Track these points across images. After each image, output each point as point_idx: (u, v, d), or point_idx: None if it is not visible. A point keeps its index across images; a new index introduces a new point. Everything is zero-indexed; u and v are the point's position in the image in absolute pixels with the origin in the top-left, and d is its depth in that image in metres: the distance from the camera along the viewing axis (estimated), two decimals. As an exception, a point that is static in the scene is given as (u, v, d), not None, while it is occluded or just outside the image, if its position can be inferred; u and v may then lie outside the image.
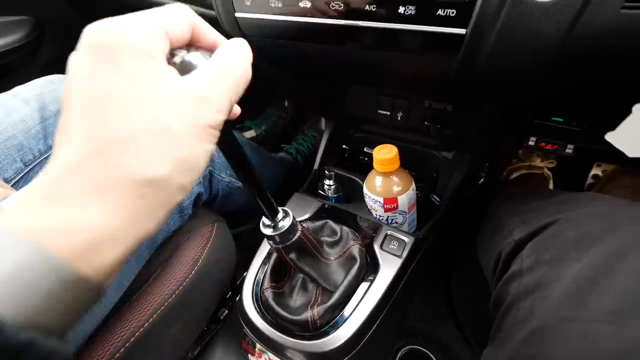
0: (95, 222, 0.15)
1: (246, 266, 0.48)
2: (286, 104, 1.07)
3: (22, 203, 0.15)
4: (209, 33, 0.21)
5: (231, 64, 0.19)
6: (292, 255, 0.38)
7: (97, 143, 0.15)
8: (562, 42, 0.29)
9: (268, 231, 0.34)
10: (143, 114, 0.16)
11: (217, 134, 0.18)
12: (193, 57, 0.19)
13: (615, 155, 0.69)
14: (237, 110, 0.25)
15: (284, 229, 0.34)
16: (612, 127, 0.41)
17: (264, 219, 0.34)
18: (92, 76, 0.16)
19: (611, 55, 0.29)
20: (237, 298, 0.58)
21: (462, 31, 0.31)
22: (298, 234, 0.36)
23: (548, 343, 0.23)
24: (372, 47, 0.37)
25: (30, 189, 0.15)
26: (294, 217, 0.35)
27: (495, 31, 0.30)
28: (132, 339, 0.35)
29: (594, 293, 0.23)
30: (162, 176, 0.16)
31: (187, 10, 0.20)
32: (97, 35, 0.17)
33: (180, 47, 0.20)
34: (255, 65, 0.22)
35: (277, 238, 0.35)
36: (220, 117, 0.18)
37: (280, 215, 0.34)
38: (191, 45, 0.20)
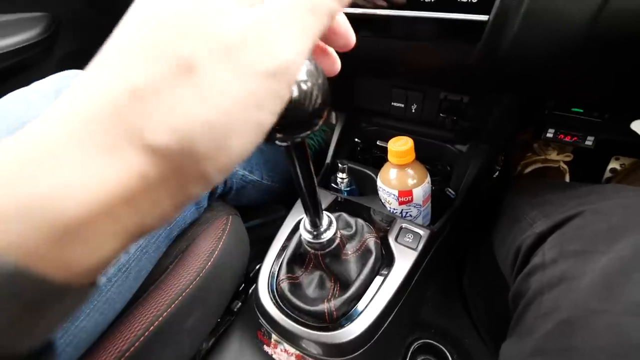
0: (99, 188, 0.11)
1: (258, 259, 0.48)
2: (296, 98, 1.06)
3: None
4: None
5: None
6: (327, 260, 0.37)
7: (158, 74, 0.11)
8: (590, 28, 0.28)
9: (309, 237, 0.33)
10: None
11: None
12: None
13: (635, 148, 0.67)
14: None
15: (328, 239, 0.33)
16: (637, 116, 0.40)
17: (306, 224, 0.33)
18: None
19: (640, 40, 0.28)
20: (251, 290, 0.59)
21: (484, 18, 0.30)
22: (337, 241, 0.35)
23: (576, 336, 0.23)
24: (389, 37, 0.36)
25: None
26: (336, 224, 0.34)
27: (519, 17, 0.29)
28: (152, 327, 0.35)
29: (624, 285, 0.23)
30: (198, 154, 0.12)
31: None
32: None
33: None
34: None
35: (316, 245, 0.34)
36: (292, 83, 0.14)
37: (325, 222, 0.33)
38: None
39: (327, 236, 0.33)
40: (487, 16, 0.30)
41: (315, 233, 0.33)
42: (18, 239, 0.10)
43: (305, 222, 0.33)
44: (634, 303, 0.22)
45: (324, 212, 0.32)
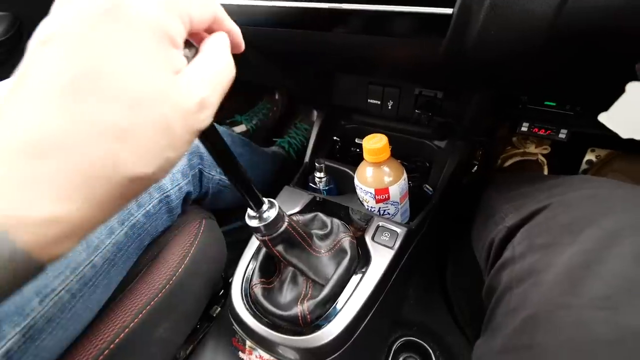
0: (64, 218, 0.13)
1: (237, 263, 0.47)
2: (277, 97, 1.05)
3: None
4: (226, 22, 0.21)
5: (226, 64, 0.19)
6: (280, 248, 0.37)
7: (84, 126, 0.13)
8: (553, 22, 0.28)
9: (253, 222, 0.33)
10: (151, 107, 0.14)
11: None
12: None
13: (609, 139, 0.68)
14: None
15: (270, 220, 0.33)
16: (606, 108, 0.40)
17: (249, 211, 0.33)
18: (96, 38, 0.13)
19: (604, 32, 0.28)
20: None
21: (448, 11, 0.29)
22: (285, 225, 0.35)
23: (541, 332, 0.23)
24: (358, 32, 0.35)
25: None
26: (280, 207, 0.34)
27: (483, 10, 0.28)
28: (117, 340, 0.34)
29: (587, 278, 0.22)
30: (147, 175, 0.15)
31: None
32: None
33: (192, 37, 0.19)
34: (242, 56, 0.22)
35: (262, 229, 0.34)
36: (210, 121, 0.18)
37: (265, 206, 0.33)
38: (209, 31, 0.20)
39: (270, 215, 0.33)
40: (452, 9, 0.29)
41: (257, 216, 0.33)
42: (33, 240, 0.13)
43: (249, 211, 0.33)
44: (595, 297, 0.21)
45: (265, 198, 0.33)
